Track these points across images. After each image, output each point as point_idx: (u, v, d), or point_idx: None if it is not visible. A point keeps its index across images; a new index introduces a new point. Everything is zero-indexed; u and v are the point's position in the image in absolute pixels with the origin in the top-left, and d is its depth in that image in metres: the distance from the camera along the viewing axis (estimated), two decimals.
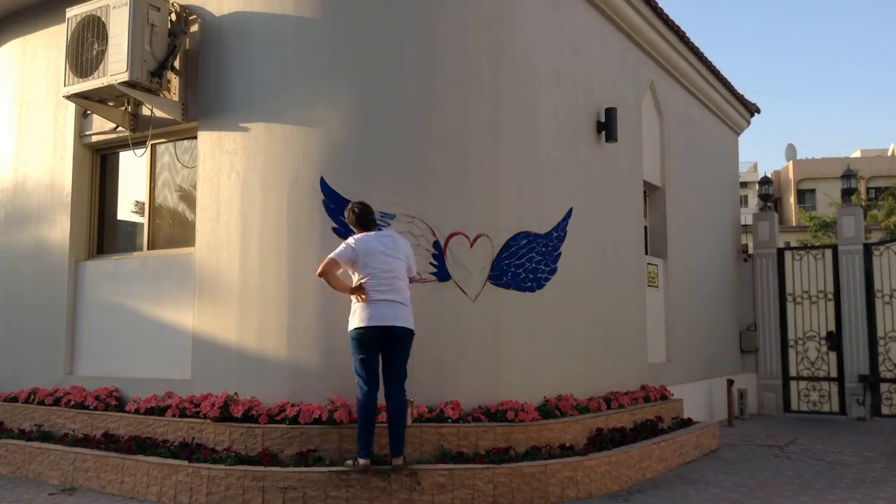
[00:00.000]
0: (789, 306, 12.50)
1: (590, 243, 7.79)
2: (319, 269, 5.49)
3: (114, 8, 6.59)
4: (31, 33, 8.31)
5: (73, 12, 6.91)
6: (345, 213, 5.84)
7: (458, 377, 6.17)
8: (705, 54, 10.82)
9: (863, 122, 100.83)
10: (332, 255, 5.48)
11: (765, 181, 14.15)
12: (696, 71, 10.88)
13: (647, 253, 9.48)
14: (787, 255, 12.70)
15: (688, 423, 8.27)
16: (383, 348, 5.41)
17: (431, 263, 6.20)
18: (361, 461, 5.30)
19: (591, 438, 6.51)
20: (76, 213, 7.74)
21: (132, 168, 7.66)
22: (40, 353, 7.75)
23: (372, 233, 5.58)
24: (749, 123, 13.70)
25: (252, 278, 6.39)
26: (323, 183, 6.20)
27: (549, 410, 6.52)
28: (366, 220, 5.63)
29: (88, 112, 7.59)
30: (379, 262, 5.41)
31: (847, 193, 13.16)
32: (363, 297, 5.38)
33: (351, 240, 5.53)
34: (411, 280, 5.68)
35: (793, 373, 12.40)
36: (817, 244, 27.37)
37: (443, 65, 6.44)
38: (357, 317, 5.39)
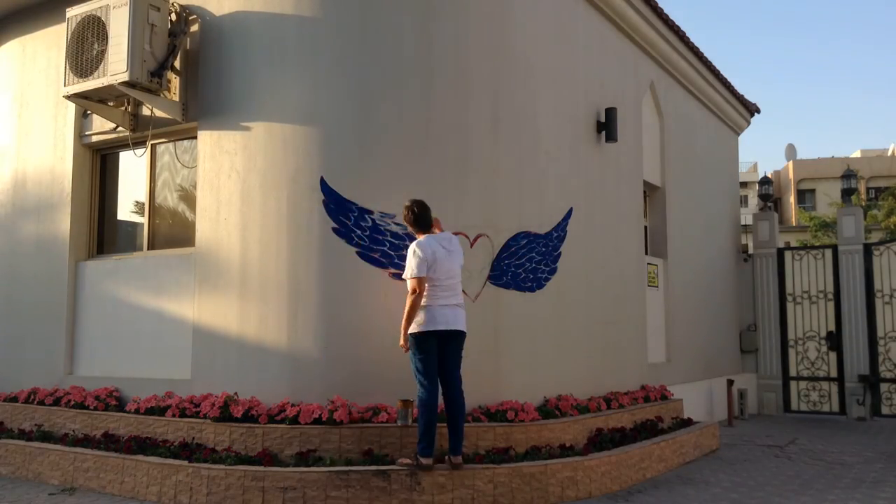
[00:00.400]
0: (789, 306, 12.50)
1: (590, 243, 7.79)
2: (411, 299, 5.36)
3: (114, 8, 6.59)
4: (31, 33, 8.31)
5: (73, 12, 6.91)
6: (402, 212, 5.70)
7: None
8: (705, 54, 10.82)
9: (863, 121, 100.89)
10: (412, 273, 5.35)
11: (765, 181, 14.15)
12: (696, 71, 10.88)
13: (647, 253, 9.48)
14: (787, 255, 12.70)
15: (688, 423, 8.27)
16: (441, 350, 5.43)
17: None
18: (424, 460, 5.29)
19: (591, 438, 6.51)
20: (76, 213, 7.74)
21: (132, 168, 7.66)
22: (40, 353, 7.75)
23: (432, 235, 5.54)
24: (749, 123, 13.70)
25: (252, 278, 6.39)
26: (323, 183, 6.20)
27: (549, 410, 6.52)
28: (425, 220, 5.58)
29: (88, 112, 7.59)
30: (443, 269, 5.40)
31: (847, 193, 13.16)
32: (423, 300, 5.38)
33: (415, 247, 5.42)
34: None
35: (793, 373, 12.40)
36: (817, 244, 27.41)
37: (443, 64, 6.44)
38: (422, 318, 5.37)
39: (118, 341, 7.28)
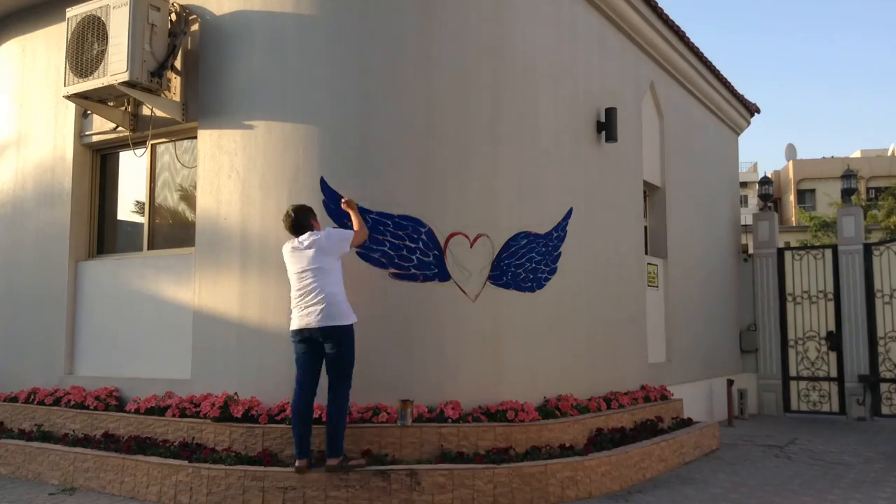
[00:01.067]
0: (789, 306, 12.50)
1: (590, 243, 7.79)
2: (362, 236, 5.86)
3: (114, 8, 6.59)
4: (31, 33, 8.31)
5: (73, 12, 6.91)
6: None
7: (458, 377, 6.16)
8: (705, 54, 10.82)
9: (863, 121, 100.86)
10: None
11: (765, 181, 14.15)
12: (696, 71, 10.88)
13: (647, 253, 9.48)
14: (787, 255, 12.70)
15: (688, 423, 8.27)
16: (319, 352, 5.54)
17: (431, 263, 6.20)
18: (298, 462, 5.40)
19: (591, 438, 6.51)
20: (76, 213, 7.73)
21: (132, 168, 7.66)
22: (40, 353, 7.75)
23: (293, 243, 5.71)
24: (749, 123, 13.71)
25: (252, 279, 6.39)
26: (323, 183, 6.20)
27: (549, 410, 6.52)
28: (301, 225, 5.70)
29: (88, 112, 7.59)
30: (292, 268, 5.62)
31: (847, 193, 13.16)
32: None
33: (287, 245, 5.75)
34: (356, 245, 5.89)
35: (793, 373, 12.40)
36: (817, 244, 27.43)
37: (443, 64, 6.44)
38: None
39: (118, 341, 7.28)
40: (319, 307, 5.39)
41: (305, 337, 5.45)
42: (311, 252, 5.52)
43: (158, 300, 7.04)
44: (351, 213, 5.95)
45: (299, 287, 5.52)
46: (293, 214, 5.68)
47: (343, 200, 6.00)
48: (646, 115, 9.53)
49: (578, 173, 7.71)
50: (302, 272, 5.52)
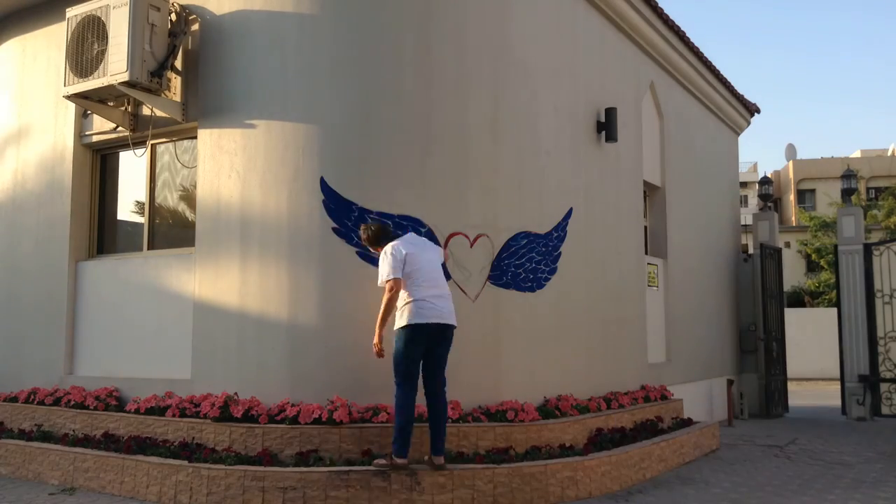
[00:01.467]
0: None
1: (590, 243, 7.79)
2: (386, 299, 5.35)
3: (114, 8, 6.59)
4: (31, 33, 8.31)
5: (73, 12, 6.90)
6: (360, 234, 5.86)
7: (458, 377, 6.16)
8: (705, 54, 10.82)
9: (863, 122, 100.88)
10: (386, 275, 5.33)
11: (765, 181, 14.16)
12: (696, 71, 10.88)
13: (647, 253, 9.48)
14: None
15: (688, 423, 8.27)
16: (430, 348, 5.38)
17: None
18: (399, 460, 5.29)
19: (591, 438, 6.51)
20: (76, 213, 7.73)
21: (132, 168, 7.66)
22: (40, 353, 7.75)
23: (397, 239, 5.56)
24: (749, 123, 13.71)
25: (252, 278, 6.39)
26: (323, 183, 6.19)
27: (549, 410, 6.52)
28: (386, 235, 5.64)
29: (88, 112, 7.58)
30: (419, 261, 5.40)
31: (847, 193, 13.17)
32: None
33: (385, 250, 5.43)
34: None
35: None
36: (817, 244, 27.42)
37: (443, 64, 6.44)
38: (410, 312, 5.30)
39: (118, 341, 7.28)
40: (450, 305, 5.45)
41: (429, 332, 5.30)
42: (435, 255, 5.57)
43: (158, 300, 7.04)
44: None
45: (431, 280, 5.37)
46: (380, 228, 5.71)
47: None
48: (646, 115, 9.53)
49: (578, 173, 7.71)
50: (434, 268, 5.45)
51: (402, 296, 5.36)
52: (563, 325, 7.21)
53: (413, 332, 5.28)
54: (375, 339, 5.46)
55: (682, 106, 10.85)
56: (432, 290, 5.37)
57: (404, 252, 5.37)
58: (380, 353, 5.46)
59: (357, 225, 6.09)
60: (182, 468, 5.57)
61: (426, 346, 5.34)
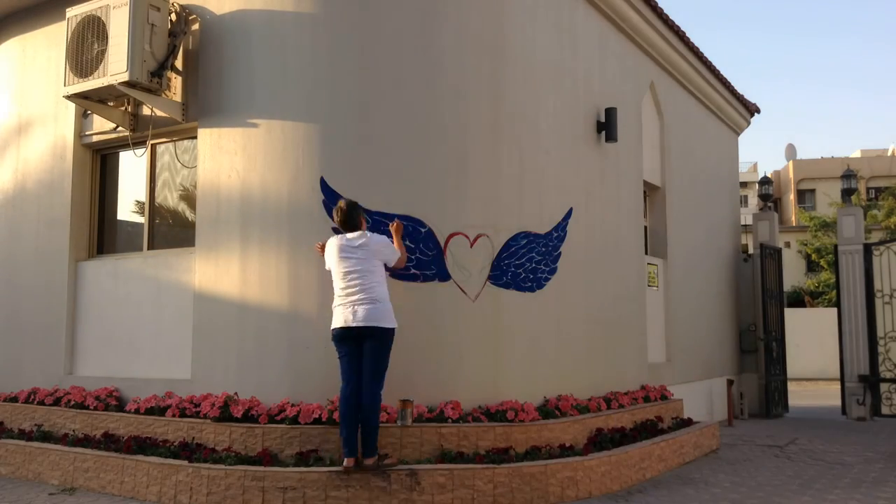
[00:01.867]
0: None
1: (590, 243, 7.79)
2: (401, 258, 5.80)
3: (114, 8, 6.59)
4: (31, 32, 8.31)
5: (73, 12, 6.90)
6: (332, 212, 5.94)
7: (458, 377, 6.17)
8: (705, 55, 10.83)
9: (863, 122, 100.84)
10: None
11: (765, 181, 14.16)
12: (696, 71, 10.88)
13: (647, 253, 9.48)
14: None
15: (688, 423, 8.27)
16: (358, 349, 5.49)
17: (431, 263, 6.20)
18: (346, 461, 5.34)
19: (591, 438, 6.51)
20: (76, 213, 7.73)
21: (132, 168, 7.66)
22: (40, 353, 7.75)
23: (343, 234, 5.66)
24: (749, 123, 13.71)
25: (252, 278, 6.39)
26: (323, 183, 6.20)
27: (549, 410, 6.52)
28: (353, 220, 5.67)
29: (88, 112, 7.59)
30: (339, 266, 5.54)
31: (847, 193, 13.17)
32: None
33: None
34: (392, 269, 5.81)
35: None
36: (817, 244, 27.42)
37: (443, 64, 6.44)
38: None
39: (118, 341, 7.28)
40: (365, 307, 5.39)
41: (346, 335, 5.42)
42: (360, 253, 5.51)
43: (158, 300, 7.04)
44: (395, 237, 5.89)
45: (344, 286, 5.47)
46: (346, 208, 5.63)
47: (392, 224, 5.95)
48: (646, 115, 9.53)
49: (578, 173, 7.71)
50: (349, 272, 5.47)
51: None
52: (563, 325, 7.21)
53: (333, 335, 5.54)
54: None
55: (682, 106, 10.86)
56: (345, 297, 5.48)
57: (331, 251, 5.62)
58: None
59: None
60: (182, 468, 5.57)
61: (354, 347, 5.45)
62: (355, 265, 5.49)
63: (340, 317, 5.45)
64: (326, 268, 5.68)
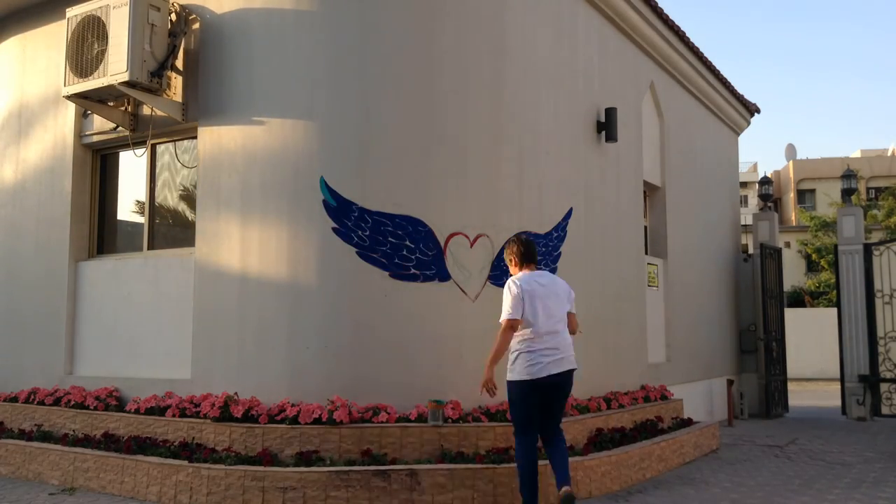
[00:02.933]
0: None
1: (590, 243, 7.79)
2: (500, 339, 4.96)
3: (114, 8, 6.59)
4: (30, 32, 8.31)
5: (73, 12, 6.90)
6: (504, 249, 5.42)
7: (458, 377, 6.16)
8: (705, 54, 10.83)
9: (863, 122, 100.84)
10: (507, 314, 4.91)
11: (765, 181, 14.17)
12: (696, 71, 10.88)
13: (647, 253, 9.48)
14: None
15: (688, 423, 8.27)
16: (543, 398, 4.99)
17: (431, 263, 6.20)
18: None
19: (590, 438, 6.51)
20: (76, 213, 7.73)
21: (132, 168, 7.66)
22: (40, 353, 7.75)
23: (530, 273, 5.10)
24: (749, 123, 13.71)
25: (252, 278, 6.39)
26: (323, 183, 6.19)
27: None
28: (530, 255, 5.15)
29: (88, 112, 7.59)
30: (542, 308, 4.96)
31: (847, 193, 13.17)
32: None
33: (511, 283, 5.00)
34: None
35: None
36: (817, 244, 27.41)
37: (443, 64, 6.44)
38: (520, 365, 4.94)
39: (118, 341, 7.28)
40: (568, 353, 5.01)
41: (548, 383, 4.92)
42: (565, 302, 5.09)
43: (158, 300, 7.03)
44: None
45: (549, 331, 4.94)
46: (528, 243, 5.20)
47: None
48: (646, 115, 9.54)
49: (578, 173, 7.71)
50: (558, 319, 5.00)
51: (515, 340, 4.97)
52: None
53: (518, 386, 4.94)
54: (483, 380, 5.04)
55: (682, 106, 10.86)
56: (548, 345, 4.94)
57: (530, 292, 4.96)
58: (491, 390, 5.06)
59: (357, 225, 6.10)
60: (182, 468, 5.57)
61: (539, 398, 4.95)
62: (561, 313, 5.07)
63: (544, 367, 4.90)
64: (504, 315, 4.95)
